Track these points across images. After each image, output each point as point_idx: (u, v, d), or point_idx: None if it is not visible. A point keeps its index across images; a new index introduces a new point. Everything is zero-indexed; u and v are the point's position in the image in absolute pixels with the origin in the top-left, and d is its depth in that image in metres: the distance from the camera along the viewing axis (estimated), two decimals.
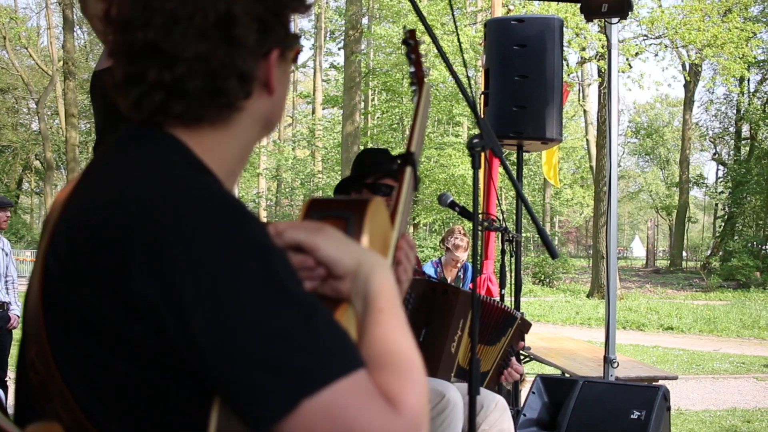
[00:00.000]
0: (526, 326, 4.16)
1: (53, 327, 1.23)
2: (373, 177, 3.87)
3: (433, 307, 3.75)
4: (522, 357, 7.00)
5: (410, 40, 2.34)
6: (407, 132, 2.10)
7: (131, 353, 1.16)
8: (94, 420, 1.20)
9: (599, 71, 30.71)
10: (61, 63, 35.73)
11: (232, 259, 1.11)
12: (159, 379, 1.17)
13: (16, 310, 8.46)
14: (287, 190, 45.59)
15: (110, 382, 1.19)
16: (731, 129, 46.98)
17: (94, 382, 1.20)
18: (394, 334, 1.23)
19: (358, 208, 1.47)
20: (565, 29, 6.34)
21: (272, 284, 1.12)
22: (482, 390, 3.75)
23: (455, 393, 3.45)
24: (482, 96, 5.91)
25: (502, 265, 5.46)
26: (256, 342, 1.08)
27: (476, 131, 3.05)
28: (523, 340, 4.29)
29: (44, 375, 1.25)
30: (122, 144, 1.34)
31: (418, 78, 2.29)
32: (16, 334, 8.37)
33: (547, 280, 34.49)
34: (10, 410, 1.58)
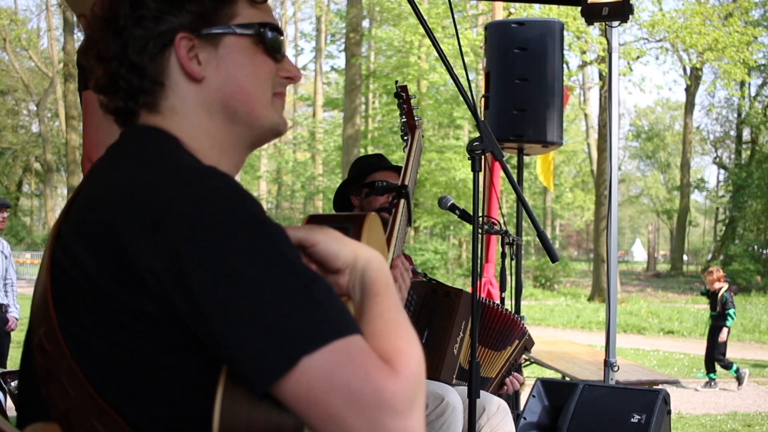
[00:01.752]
0: (530, 344, 4.18)
1: (61, 306, 1.28)
2: (370, 176, 3.90)
3: (435, 308, 3.74)
4: (523, 360, 7.00)
5: (402, 93, 2.52)
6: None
7: (138, 328, 1.21)
8: (102, 392, 1.24)
9: (600, 75, 30.72)
10: (62, 65, 35.73)
11: (233, 229, 1.17)
12: (165, 353, 1.21)
13: (14, 313, 8.45)
14: (288, 193, 45.64)
15: (117, 357, 1.23)
16: (732, 133, 47.01)
17: (102, 358, 1.24)
18: (390, 311, 1.28)
19: (356, 220, 1.54)
20: (565, 32, 6.34)
21: (272, 252, 1.18)
22: (484, 393, 3.74)
23: (455, 396, 3.44)
24: (483, 99, 5.90)
25: (503, 269, 5.44)
26: (257, 305, 1.13)
27: (477, 134, 3.05)
28: (528, 352, 4.30)
29: (52, 352, 1.29)
30: (119, 147, 1.41)
31: (409, 126, 2.47)
32: (15, 336, 8.35)
33: (548, 283, 34.48)
34: (11, 413, 1.58)
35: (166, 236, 1.17)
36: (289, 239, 1.24)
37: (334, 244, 1.36)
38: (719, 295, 11.77)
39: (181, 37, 1.38)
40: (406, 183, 2.10)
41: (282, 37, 1.51)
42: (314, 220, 1.53)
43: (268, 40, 1.46)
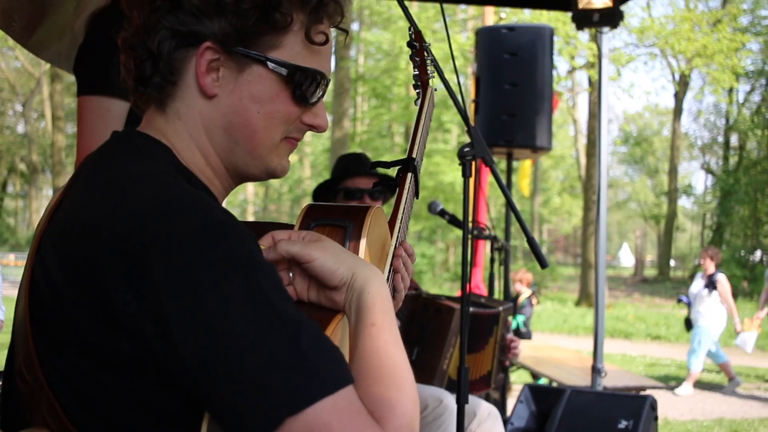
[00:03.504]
0: (508, 312, 4.20)
1: (40, 336, 1.24)
2: (343, 183, 3.85)
3: (425, 325, 3.73)
4: (510, 366, 7.00)
5: (415, 42, 2.31)
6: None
7: (118, 366, 1.17)
8: (82, 429, 1.20)
9: (589, 80, 30.81)
10: (48, 66, 35.60)
11: (216, 274, 1.11)
12: (147, 391, 1.17)
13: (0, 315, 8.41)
14: (275, 195, 45.56)
15: (98, 393, 1.19)
16: (720, 139, 47.16)
17: (82, 393, 1.20)
18: (386, 347, 1.23)
19: (356, 216, 1.47)
20: (555, 38, 6.34)
21: (257, 300, 1.12)
22: (474, 399, 3.75)
23: (452, 399, 3.45)
24: (473, 104, 5.90)
25: (491, 273, 5.44)
26: (240, 360, 1.08)
27: (466, 139, 3.03)
28: (508, 320, 4.33)
29: (32, 383, 1.25)
30: (108, 151, 1.37)
31: (422, 81, 2.27)
32: (1, 338, 8.30)
33: (536, 288, 34.54)
34: None
35: (147, 276, 1.11)
36: (278, 279, 1.19)
37: (331, 261, 1.31)
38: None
39: (207, 47, 1.33)
40: (414, 154, 1.95)
41: (321, 86, 1.42)
42: (313, 211, 1.48)
43: (298, 86, 1.38)
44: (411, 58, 2.32)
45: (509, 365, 4.43)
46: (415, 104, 2.24)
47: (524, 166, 11.44)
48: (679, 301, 12.83)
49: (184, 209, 1.17)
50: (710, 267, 11.88)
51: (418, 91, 2.26)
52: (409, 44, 2.33)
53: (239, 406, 1.07)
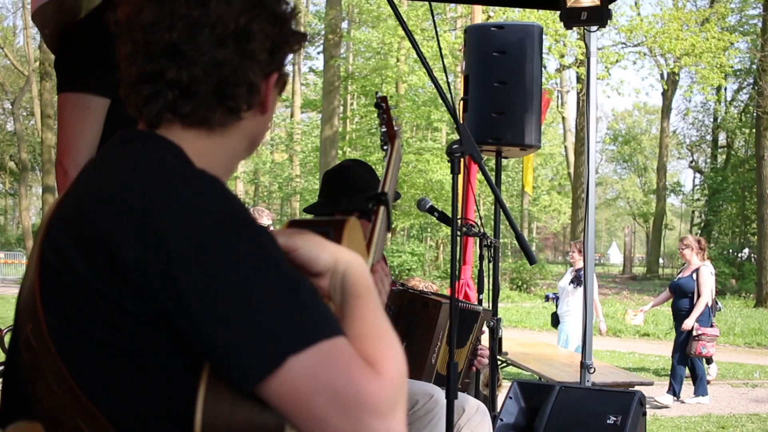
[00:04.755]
0: (487, 314, 4.24)
1: (49, 303, 1.29)
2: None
3: (413, 319, 3.76)
4: (499, 363, 7.02)
5: (382, 104, 2.55)
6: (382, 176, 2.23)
7: (123, 328, 1.22)
8: (87, 391, 1.24)
9: (578, 78, 30.87)
10: (38, 63, 35.42)
11: (222, 230, 1.19)
12: (150, 354, 1.22)
13: None
14: (265, 194, 45.54)
15: (102, 357, 1.24)
16: (708, 137, 47.33)
17: (88, 357, 1.25)
18: (371, 315, 1.30)
19: (336, 225, 1.56)
20: (544, 36, 6.37)
21: (260, 254, 1.20)
22: (463, 395, 3.77)
23: (442, 394, 3.47)
24: (461, 102, 5.91)
25: (480, 271, 5.46)
26: (244, 306, 1.15)
27: (455, 137, 3.06)
28: (486, 326, 4.36)
29: (39, 349, 1.29)
30: (116, 146, 1.41)
31: (389, 136, 2.49)
32: None
33: (525, 285, 34.54)
34: None
35: (156, 234, 1.18)
36: (276, 242, 1.26)
37: (314, 249, 1.38)
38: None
39: (277, 78, 1.45)
40: (386, 190, 2.15)
41: None
42: (295, 225, 1.55)
43: (286, 81, 1.52)
44: (379, 116, 2.54)
45: (476, 371, 4.47)
46: (383, 159, 2.44)
47: (527, 165, 11.26)
48: (547, 299, 12.38)
49: (189, 178, 1.26)
50: (578, 261, 10.95)
51: (385, 147, 2.47)
52: (376, 104, 2.55)
53: (243, 348, 1.14)
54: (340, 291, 1.35)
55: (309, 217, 3.09)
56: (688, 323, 10.14)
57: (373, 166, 3.86)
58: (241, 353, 1.14)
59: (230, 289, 1.15)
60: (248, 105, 1.41)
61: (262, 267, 1.19)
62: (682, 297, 10.46)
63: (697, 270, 10.36)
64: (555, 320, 11.57)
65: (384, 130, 2.50)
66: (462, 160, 3.15)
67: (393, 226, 31.85)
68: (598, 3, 5.61)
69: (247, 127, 1.45)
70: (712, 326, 10.32)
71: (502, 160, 6.18)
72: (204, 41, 1.35)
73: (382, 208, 2.06)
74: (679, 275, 11.00)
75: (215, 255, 1.17)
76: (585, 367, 5.87)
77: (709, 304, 10.35)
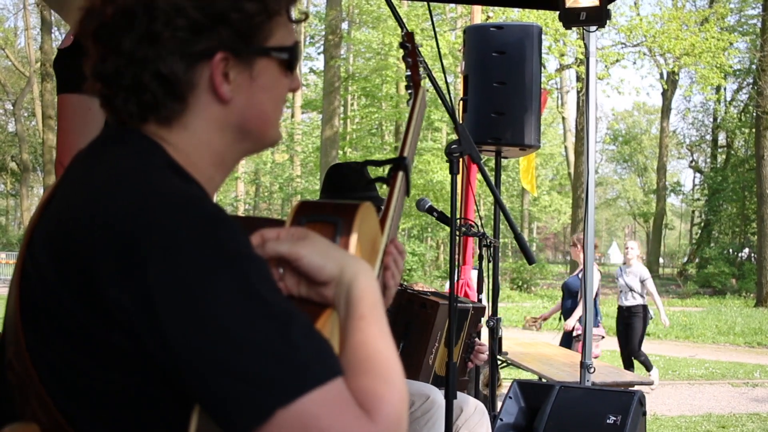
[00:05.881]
0: (479, 312, 4.22)
1: (31, 329, 1.23)
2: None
3: (411, 320, 3.76)
4: (499, 362, 7.02)
5: (407, 43, 2.33)
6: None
7: (108, 358, 1.17)
8: (72, 421, 1.20)
9: (578, 77, 30.86)
10: (39, 64, 35.54)
11: (207, 268, 1.12)
12: (137, 384, 1.17)
13: None
14: (266, 194, 45.53)
15: (88, 386, 1.19)
16: (708, 137, 47.32)
17: (72, 385, 1.20)
18: (374, 340, 1.23)
19: (347, 212, 1.47)
20: (544, 36, 6.37)
21: (248, 294, 1.12)
22: (462, 395, 3.77)
23: (439, 395, 3.47)
24: (461, 102, 5.92)
25: (480, 271, 5.46)
26: (231, 352, 1.08)
27: (455, 137, 3.06)
28: (479, 323, 4.34)
29: (22, 376, 1.24)
30: (100, 146, 1.36)
31: (414, 81, 2.27)
32: None
33: (525, 285, 34.55)
34: None
35: (139, 270, 1.11)
36: (269, 273, 1.19)
37: (319, 258, 1.30)
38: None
39: (221, 58, 1.31)
40: (405, 153, 1.95)
41: (300, 55, 1.45)
42: (305, 207, 1.48)
43: (291, 64, 1.42)
44: (403, 58, 2.33)
45: (474, 367, 4.46)
46: (407, 104, 2.24)
47: (528, 164, 11.19)
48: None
49: (175, 204, 1.17)
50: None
51: (410, 91, 2.26)
52: (402, 44, 2.35)
53: (230, 399, 1.08)
54: (344, 305, 1.29)
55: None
56: (570, 323, 10.06)
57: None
58: (227, 404, 1.09)
59: (216, 335, 1.09)
60: (173, 96, 1.30)
61: (250, 308, 1.11)
62: (568, 297, 10.43)
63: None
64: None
65: (408, 73, 2.29)
66: (461, 160, 3.15)
67: None
68: (597, 3, 5.61)
69: (207, 117, 1.34)
70: (597, 326, 10.04)
71: (502, 160, 6.19)
72: (120, 31, 1.27)
73: (400, 175, 1.89)
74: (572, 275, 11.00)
75: (201, 297, 1.10)
76: (585, 366, 5.87)
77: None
